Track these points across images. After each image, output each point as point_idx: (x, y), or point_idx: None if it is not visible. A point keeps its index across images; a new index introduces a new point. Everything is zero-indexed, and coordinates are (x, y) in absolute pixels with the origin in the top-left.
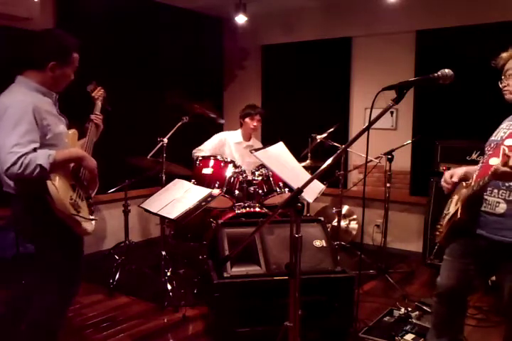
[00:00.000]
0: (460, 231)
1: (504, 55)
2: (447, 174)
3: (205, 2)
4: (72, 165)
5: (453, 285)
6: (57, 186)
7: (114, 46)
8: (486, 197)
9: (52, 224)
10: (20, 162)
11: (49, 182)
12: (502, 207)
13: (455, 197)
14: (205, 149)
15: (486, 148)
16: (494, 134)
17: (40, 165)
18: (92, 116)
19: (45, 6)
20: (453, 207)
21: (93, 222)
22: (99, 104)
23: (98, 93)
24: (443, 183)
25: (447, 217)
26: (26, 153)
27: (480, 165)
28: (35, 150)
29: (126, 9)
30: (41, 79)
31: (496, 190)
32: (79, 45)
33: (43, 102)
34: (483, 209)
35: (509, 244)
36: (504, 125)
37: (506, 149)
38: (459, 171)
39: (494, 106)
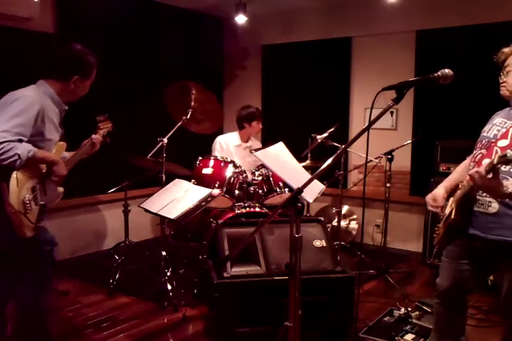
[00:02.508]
0: (456, 232)
1: (506, 50)
2: (429, 199)
3: (205, 2)
4: (44, 170)
5: (450, 286)
6: (19, 180)
7: (113, 46)
8: (478, 197)
9: (5, 218)
10: (1, 146)
11: (14, 174)
12: (494, 207)
13: (451, 199)
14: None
15: (477, 144)
16: (486, 130)
17: (19, 155)
18: (94, 136)
19: (45, 6)
20: (448, 208)
21: (35, 229)
22: (101, 134)
23: (105, 126)
24: (430, 208)
25: (443, 219)
26: (11, 141)
27: (472, 164)
28: (20, 141)
29: (126, 9)
30: (61, 89)
31: None
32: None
33: (49, 108)
34: (476, 209)
35: (504, 242)
36: (497, 121)
37: (499, 150)
38: (439, 193)
39: (494, 106)
